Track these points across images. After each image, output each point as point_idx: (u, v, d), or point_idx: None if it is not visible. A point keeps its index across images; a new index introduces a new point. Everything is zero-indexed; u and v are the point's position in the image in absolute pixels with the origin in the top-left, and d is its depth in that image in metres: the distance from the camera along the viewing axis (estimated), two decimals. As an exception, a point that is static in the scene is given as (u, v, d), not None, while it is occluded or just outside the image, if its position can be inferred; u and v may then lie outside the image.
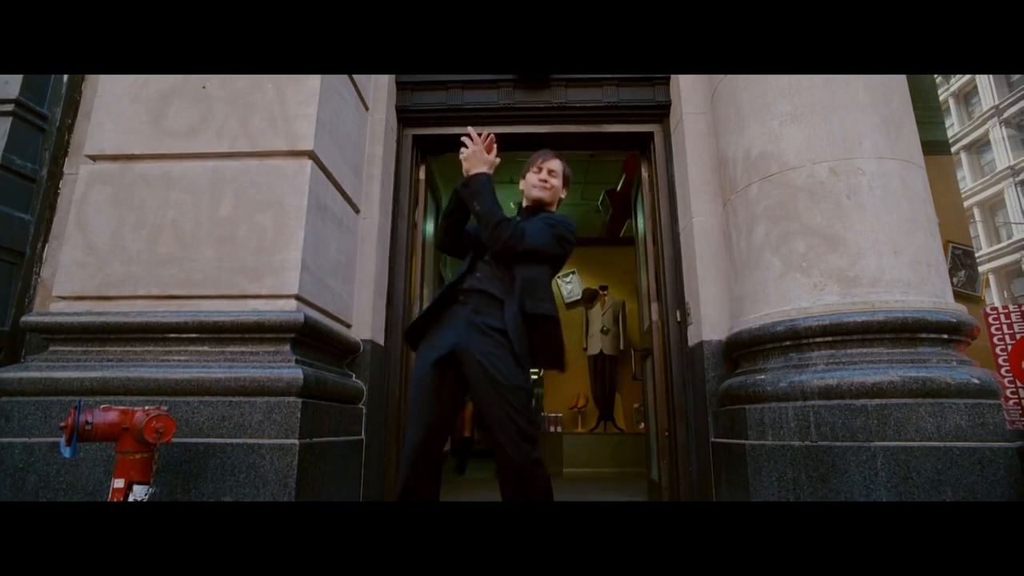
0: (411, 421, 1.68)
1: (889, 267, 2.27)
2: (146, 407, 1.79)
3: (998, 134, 18.53)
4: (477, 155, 1.78)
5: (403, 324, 3.27)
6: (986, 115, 18.84)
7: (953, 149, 15.36)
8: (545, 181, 1.92)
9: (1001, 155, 18.50)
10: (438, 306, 1.79)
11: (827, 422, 2.11)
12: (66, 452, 1.64)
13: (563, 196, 1.99)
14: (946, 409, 2.05)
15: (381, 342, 3.10)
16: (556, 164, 1.95)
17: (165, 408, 1.83)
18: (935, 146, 4.29)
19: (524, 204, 1.99)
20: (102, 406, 1.75)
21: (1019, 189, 18.08)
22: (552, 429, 6.09)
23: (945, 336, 2.23)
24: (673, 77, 3.37)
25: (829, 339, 2.27)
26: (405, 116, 3.51)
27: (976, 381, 2.09)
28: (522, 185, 1.98)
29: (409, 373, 3.28)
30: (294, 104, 2.49)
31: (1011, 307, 3.34)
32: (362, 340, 2.92)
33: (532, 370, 1.71)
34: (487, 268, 1.77)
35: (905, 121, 2.54)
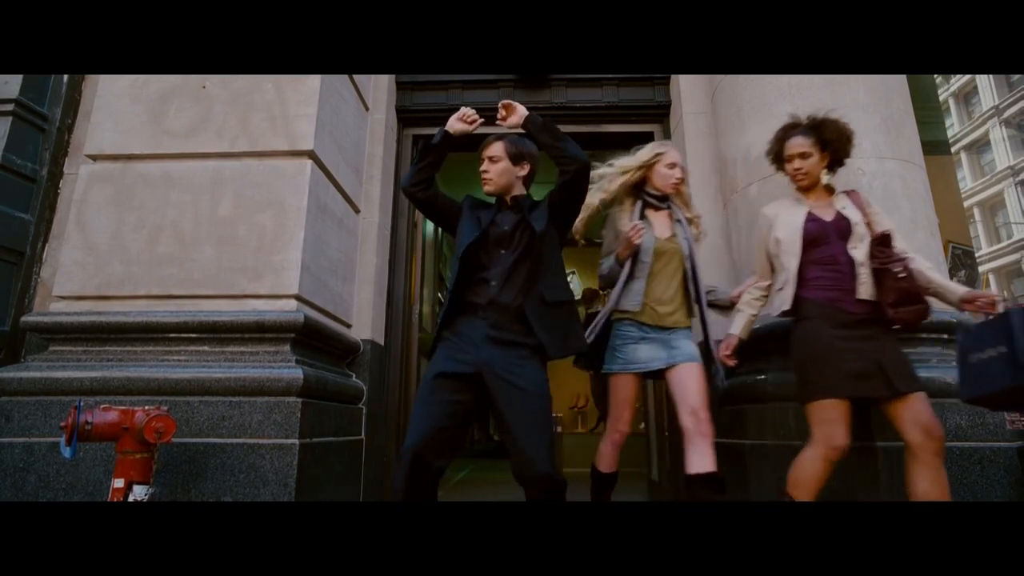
0: (410, 428, 1.55)
1: (889, 267, 2.27)
2: (146, 407, 1.79)
3: (998, 134, 18.52)
4: (513, 109, 1.73)
5: (403, 324, 3.28)
6: (986, 115, 18.84)
7: (953, 149, 15.36)
8: (484, 172, 1.79)
9: (1001, 155, 18.50)
10: (453, 313, 1.69)
11: (827, 422, 2.11)
12: (66, 452, 1.64)
13: (522, 174, 1.80)
14: (946, 409, 2.04)
15: (381, 342, 3.10)
16: (494, 148, 1.79)
17: (165, 408, 1.83)
18: (935, 146, 4.29)
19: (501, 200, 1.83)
20: (102, 406, 1.75)
21: (1019, 189, 18.08)
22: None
23: (945, 336, 2.23)
24: (673, 77, 3.37)
25: (829, 339, 2.26)
26: (405, 116, 3.51)
27: (976, 381, 2.09)
28: None
29: (409, 373, 3.29)
30: (294, 104, 2.49)
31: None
32: (362, 340, 2.92)
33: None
34: (498, 275, 1.67)
35: (905, 121, 2.54)
